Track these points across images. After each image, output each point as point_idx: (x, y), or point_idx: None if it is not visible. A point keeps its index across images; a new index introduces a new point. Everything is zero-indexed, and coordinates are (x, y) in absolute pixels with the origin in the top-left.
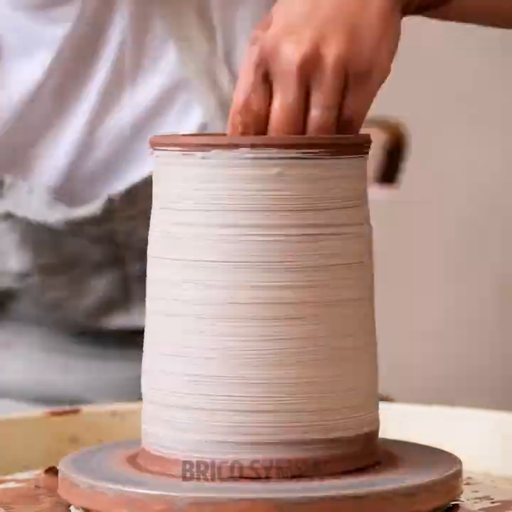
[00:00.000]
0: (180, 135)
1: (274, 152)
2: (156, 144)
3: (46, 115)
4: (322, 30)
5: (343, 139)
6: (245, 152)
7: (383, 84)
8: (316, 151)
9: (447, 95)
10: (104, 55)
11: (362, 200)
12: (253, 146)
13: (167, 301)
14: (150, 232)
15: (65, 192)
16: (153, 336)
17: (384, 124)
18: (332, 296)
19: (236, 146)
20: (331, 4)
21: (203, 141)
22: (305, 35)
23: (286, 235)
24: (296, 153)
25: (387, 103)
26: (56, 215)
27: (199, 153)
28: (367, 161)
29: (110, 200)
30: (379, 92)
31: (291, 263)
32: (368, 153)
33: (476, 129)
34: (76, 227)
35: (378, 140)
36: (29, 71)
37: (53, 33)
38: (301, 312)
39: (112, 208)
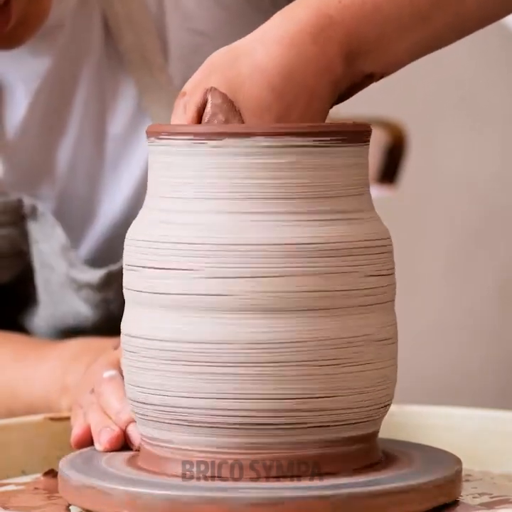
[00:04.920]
0: (179, 125)
1: (276, 141)
2: (158, 132)
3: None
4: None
5: (346, 126)
6: (253, 140)
7: (384, 84)
8: (324, 139)
9: (447, 95)
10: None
11: (365, 188)
12: (256, 134)
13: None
14: (141, 222)
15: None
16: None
17: (384, 124)
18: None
19: (244, 134)
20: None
21: (213, 130)
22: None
23: (296, 221)
24: (304, 141)
25: (387, 103)
26: (62, 266)
27: (210, 142)
28: (368, 150)
29: (109, 273)
30: (379, 92)
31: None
32: (369, 141)
33: (475, 129)
34: (75, 286)
35: (378, 140)
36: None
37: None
38: (306, 305)
39: (110, 280)
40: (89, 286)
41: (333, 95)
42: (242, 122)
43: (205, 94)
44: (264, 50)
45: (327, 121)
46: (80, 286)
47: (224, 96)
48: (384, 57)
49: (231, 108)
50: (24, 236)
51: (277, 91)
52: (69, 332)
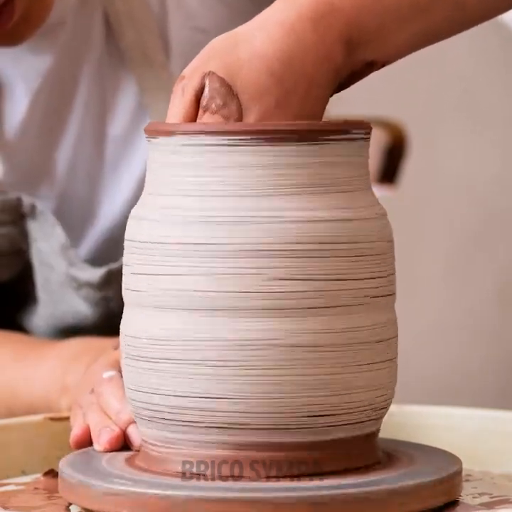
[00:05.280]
0: (179, 123)
1: (273, 139)
2: (157, 130)
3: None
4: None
5: (342, 124)
6: (252, 138)
7: (384, 85)
8: (323, 136)
9: (447, 96)
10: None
11: (366, 185)
12: (254, 132)
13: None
14: (135, 221)
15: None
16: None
17: (384, 124)
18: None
19: (236, 132)
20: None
21: (212, 128)
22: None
23: (297, 220)
24: (304, 139)
25: (387, 103)
26: (62, 265)
27: (209, 141)
28: (368, 148)
29: (109, 271)
30: (379, 92)
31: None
32: (369, 138)
33: (476, 130)
34: (75, 285)
35: (378, 140)
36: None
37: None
38: (304, 306)
39: (110, 278)
40: (89, 284)
41: (333, 83)
42: (240, 107)
43: (203, 78)
44: (264, 35)
45: (327, 121)
46: (79, 284)
47: (222, 80)
48: (384, 47)
49: (229, 92)
50: (23, 235)
51: (277, 76)
52: (68, 331)
